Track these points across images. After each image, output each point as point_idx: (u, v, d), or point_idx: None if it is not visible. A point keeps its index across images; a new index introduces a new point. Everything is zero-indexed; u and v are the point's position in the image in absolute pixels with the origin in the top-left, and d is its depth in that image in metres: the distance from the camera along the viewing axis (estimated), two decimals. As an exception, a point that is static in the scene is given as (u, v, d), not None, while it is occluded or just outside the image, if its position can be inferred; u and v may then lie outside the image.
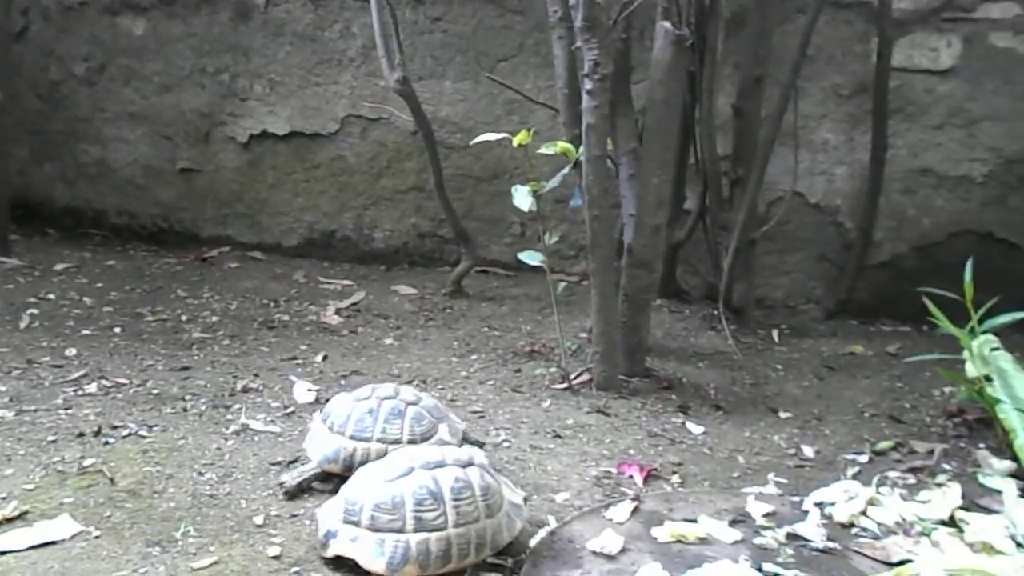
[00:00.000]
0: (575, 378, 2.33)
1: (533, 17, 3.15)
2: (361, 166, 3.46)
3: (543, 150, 2.22)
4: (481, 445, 1.84)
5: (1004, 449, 1.93)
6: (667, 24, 2.13)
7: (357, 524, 1.43)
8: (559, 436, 2.04)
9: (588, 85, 2.12)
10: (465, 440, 1.82)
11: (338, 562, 1.44)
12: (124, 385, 2.22)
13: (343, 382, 2.33)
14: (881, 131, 2.77)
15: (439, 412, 1.80)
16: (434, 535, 1.41)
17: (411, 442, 1.70)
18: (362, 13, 3.29)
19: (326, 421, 1.76)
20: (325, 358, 2.50)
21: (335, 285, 3.21)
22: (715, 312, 2.76)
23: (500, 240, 3.36)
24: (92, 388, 2.18)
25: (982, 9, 2.76)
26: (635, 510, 1.72)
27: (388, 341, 2.67)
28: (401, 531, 1.41)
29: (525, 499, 1.61)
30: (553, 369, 2.39)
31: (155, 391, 2.19)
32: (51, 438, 1.88)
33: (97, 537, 1.51)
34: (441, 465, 1.47)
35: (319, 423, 1.78)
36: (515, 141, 2.19)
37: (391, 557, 1.40)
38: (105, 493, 1.65)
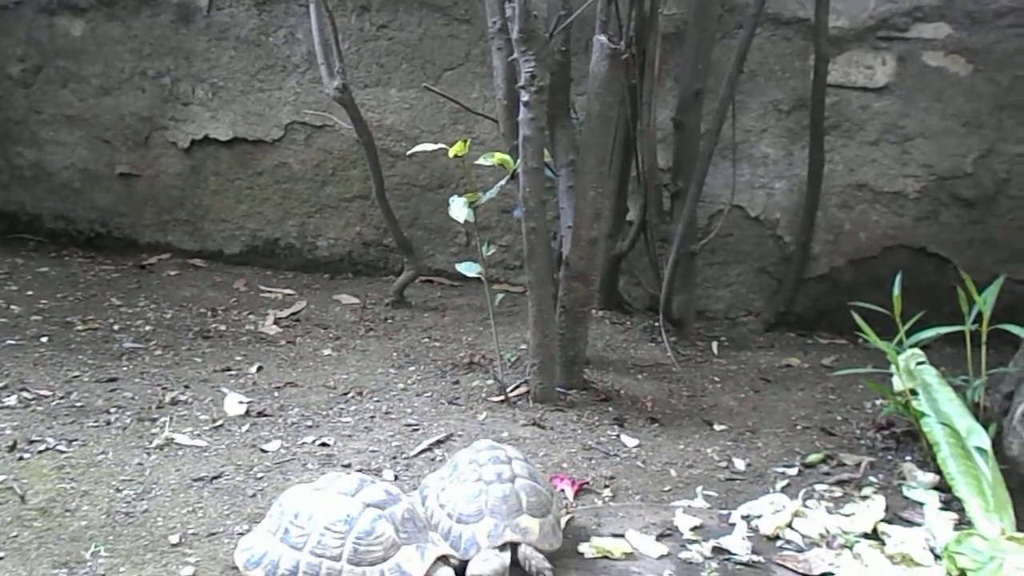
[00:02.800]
0: (512, 390, 2.31)
1: (479, 26, 3.14)
2: (305, 173, 3.41)
3: (480, 161, 2.21)
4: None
5: (928, 462, 1.96)
6: (603, 38, 2.13)
7: None
8: (492, 449, 2.02)
9: (525, 97, 2.11)
10: None
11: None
12: (46, 397, 2.15)
13: (276, 394, 2.28)
14: (818, 146, 2.82)
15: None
16: None
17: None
18: (307, 19, 3.22)
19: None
20: (260, 369, 2.45)
21: (276, 294, 3.16)
22: (656, 324, 2.77)
23: (445, 250, 3.34)
24: (11, 400, 2.11)
25: (915, 29, 2.83)
26: (569, 521, 1.71)
27: (326, 352, 2.63)
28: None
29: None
30: (491, 381, 2.38)
31: (79, 403, 2.13)
32: (-38, 453, 1.81)
33: (1, 558, 1.45)
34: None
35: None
36: (451, 152, 2.18)
37: None
38: (14, 512, 1.59)
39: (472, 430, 2.12)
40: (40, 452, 1.84)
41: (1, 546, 1.47)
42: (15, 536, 1.51)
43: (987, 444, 1.80)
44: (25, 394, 2.15)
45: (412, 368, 2.52)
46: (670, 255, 2.69)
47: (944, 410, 1.91)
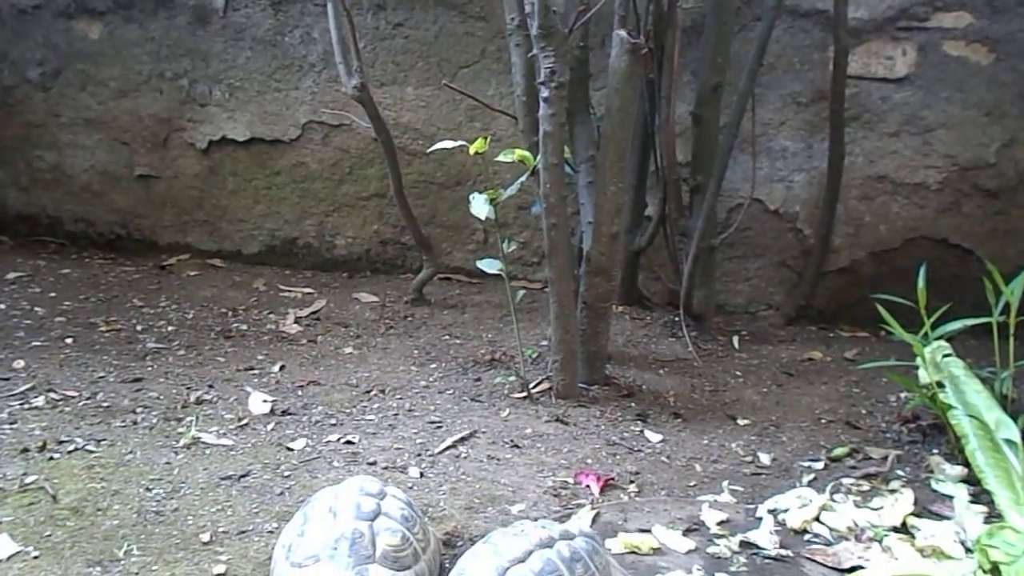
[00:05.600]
0: (534, 387, 2.31)
1: (495, 23, 3.13)
2: (323, 172, 3.42)
3: (500, 158, 2.21)
4: None
5: (956, 455, 1.95)
6: (623, 33, 2.13)
7: None
8: (517, 446, 2.03)
9: (544, 93, 2.11)
10: None
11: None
12: (73, 398, 2.17)
13: (300, 392, 2.30)
14: (838, 138, 2.80)
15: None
16: None
17: None
18: (323, 18, 3.25)
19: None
20: (283, 368, 2.46)
21: (295, 293, 3.17)
22: (676, 318, 2.76)
23: (463, 247, 3.34)
24: (39, 401, 2.13)
25: (935, 19, 2.80)
26: (596, 517, 1.71)
27: (347, 350, 2.64)
28: None
29: None
30: (513, 378, 2.38)
31: (105, 404, 2.14)
32: (-7, 454, 1.83)
33: (36, 557, 1.47)
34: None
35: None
36: (471, 149, 2.18)
37: None
38: (46, 511, 1.61)
39: (495, 427, 2.13)
40: (70, 452, 1.86)
41: (36, 545, 1.49)
42: (49, 535, 1.53)
43: (1016, 436, 1.78)
44: (52, 395, 2.17)
45: (433, 365, 2.52)
46: (690, 250, 2.68)
47: (972, 402, 1.89)
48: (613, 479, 1.88)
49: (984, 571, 1.47)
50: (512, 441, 2.05)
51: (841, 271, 2.98)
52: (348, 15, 2.74)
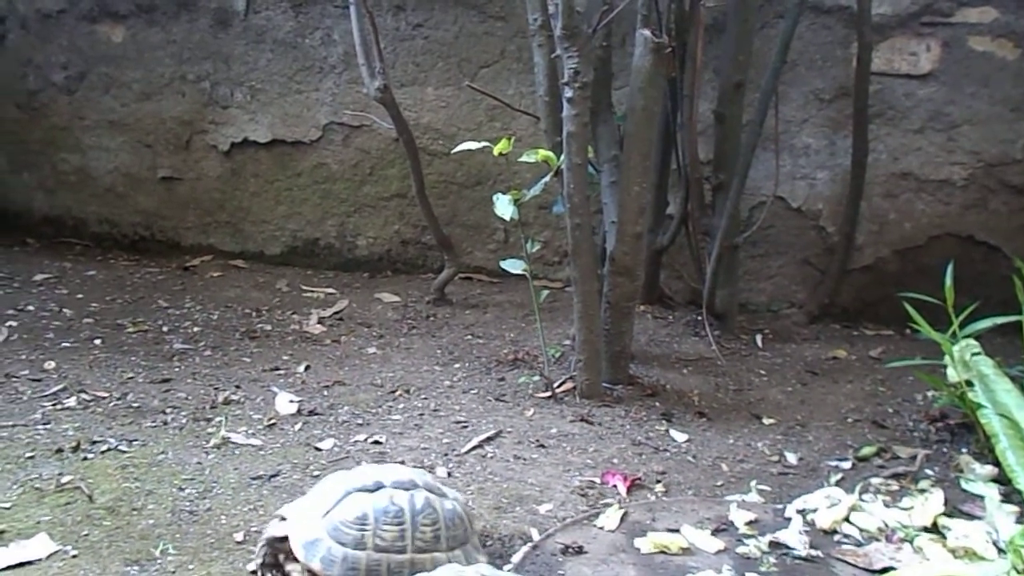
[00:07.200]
0: (559, 386, 2.32)
1: (515, 23, 3.14)
2: (344, 173, 3.44)
3: (524, 158, 2.21)
4: None
5: (986, 454, 1.94)
6: (647, 32, 2.13)
7: None
8: (543, 446, 2.03)
9: (568, 93, 2.11)
10: None
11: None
12: (104, 398, 2.19)
13: (325, 392, 2.31)
14: (862, 135, 2.79)
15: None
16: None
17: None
18: (343, 20, 3.27)
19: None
20: (308, 368, 2.48)
21: (318, 293, 3.19)
22: (698, 317, 2.76)
23: (484, 246, 3.35)
24: (71, 402, 2.16)
25: (960, 14, 2.78)
26: (624, 517, 1.72)
27: (371, 350, 2.65)
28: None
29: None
30: (536, 377, 2.39)
31: (135, 404, 2.17)
32: (29, 454, 1.86)
33: (75, 556, 1.49)
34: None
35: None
36: (495, 150, 2.19)
37: None
38: (83, 511, 1.63)
39: (521, 426, 2.13)
40: (103, 452, 1.88)
41: (75, 544, 1.51)
42: (86, 535, 1.55)
43: (1048, 436, 1.77)
44: (84, 395, 2.20)
45: (457, 365, 2.54)
46: (713, 248, 2.68)
47: (1002, 401, 1.88)
48: (640, 479, 1.89)
49: (1018, 572, 1.46)
50: (538, 441, 2.06)
51: (865, 269, 2.97)
52: (371, 17, 2.75)
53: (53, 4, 3.64)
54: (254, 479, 1.81)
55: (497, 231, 3.33)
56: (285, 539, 1.40)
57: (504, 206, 2.19)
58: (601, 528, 1.68)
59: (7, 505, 1.64)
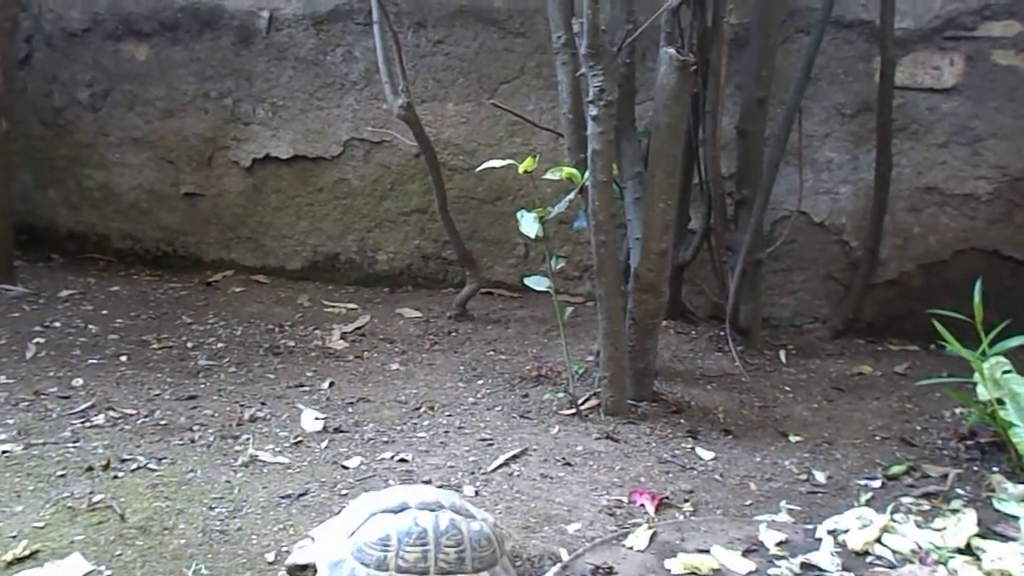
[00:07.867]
0: (583, 403, 2.32)
1: (534, 40, 3.16)
2: (364, 188, 3.46)
3: (548, 176, 2.22)
4: None
5: (1018, 473, 1.92)
6: (671, 50, 2.13)
7: None
8: (569, 464, 2.03)
9: (593, 111, 2.12)
10: None
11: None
12: (132, 416, 2.21)
13: (350, 409, 2.32)
14: (885, 150, 2.78)
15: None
16: None
17: None
18: (364, 37, 3.30)
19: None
20: (332, 384, 2.49)
21: (340, 309, 3.21)
22: (722, 333, 2.75)
23: (504, 262, 3.36)
24: (100, 419, 2.17)
25: (984, 27, 2.77)
26: (653, 537, 1.71)
27: (394, 366, 2.66)
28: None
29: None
30: (561, 394, 2.38)
31: (163, 422, 2.18)
32: (60, 472, 1.87)
33: (108, 576, 1.50)
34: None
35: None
36: (520, 168, 2.19)
37: None
38: (115, 530, 1.64)
39: (546, 444, 2.13)
40: (133, 471, 1.89)
41: (108, 564, 1.52)
42: (119, 555, 1.56)
43: (1082, 455, 1.75)
44: (112, 413, 2.21)
45: (480, 382, 2.54)
46: (736, 264, 2.67)
47: (1034, 420, 1.86)
48: (667, 498, 1.88)
49: (1056, 595, 1.44)
50: (564, 459, 2.05)
51: (889, 283, 2.95)
52: (394, 35, 2.77)
53: (78, 23, 3.69)
54: (283, 498, 1.81)
55: (517, 246, 3.33)
56: (305, 567, 1.41)
57: (529, 224, 2.20)
58: (631, 548, 1.67)
59: (40, 524, 1.65)
